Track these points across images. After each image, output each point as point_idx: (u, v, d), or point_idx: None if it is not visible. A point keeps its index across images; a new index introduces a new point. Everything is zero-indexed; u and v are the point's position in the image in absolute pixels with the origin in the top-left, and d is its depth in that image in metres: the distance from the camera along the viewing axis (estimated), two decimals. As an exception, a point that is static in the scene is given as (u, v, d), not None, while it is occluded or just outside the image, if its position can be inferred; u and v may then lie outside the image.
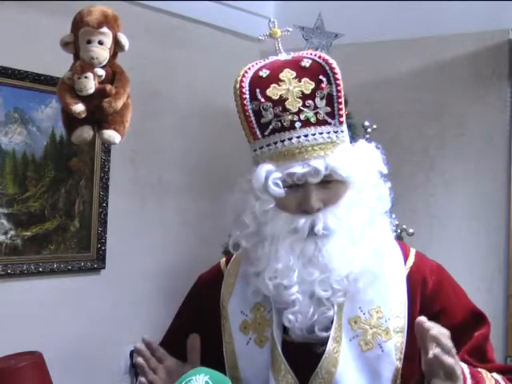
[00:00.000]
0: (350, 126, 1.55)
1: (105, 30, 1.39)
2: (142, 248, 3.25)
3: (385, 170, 1.47)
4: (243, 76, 1.43)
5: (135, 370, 3.22)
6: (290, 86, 1.38)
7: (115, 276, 3.14)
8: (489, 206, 3.11)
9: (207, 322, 1.53)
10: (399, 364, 1.40)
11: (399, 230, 2.88)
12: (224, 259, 1.65)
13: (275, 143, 1.39)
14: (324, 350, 1.38)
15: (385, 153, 1.50)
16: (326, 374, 1.36)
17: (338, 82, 1.40)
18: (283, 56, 1.48)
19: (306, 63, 1.42)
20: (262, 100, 1.39)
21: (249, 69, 1.44)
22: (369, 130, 2.86)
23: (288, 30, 1.54)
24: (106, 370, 3.11)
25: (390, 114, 3.25)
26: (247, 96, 1.40)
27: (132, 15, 2.95)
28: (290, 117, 1.37)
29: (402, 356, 1.40)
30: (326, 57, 1.43)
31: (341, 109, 1.40)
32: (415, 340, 1.33)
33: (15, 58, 2.74)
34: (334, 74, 1.40)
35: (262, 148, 1.41)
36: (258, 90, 1.40)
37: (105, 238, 3.09)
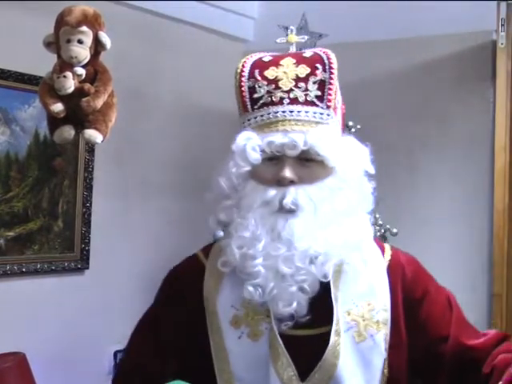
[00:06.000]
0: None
1: (84, 29, 1.39)
2: (126, 248, 3.24)
3: (372, 170, 1.50)
4: (247, 58, 1.51)
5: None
6: (287, 70, 1.45)
7: (99, 276, 3.13)
8: (472, 206, 3.12)
9: (190, 314, 1.51)
10: (385, 354, 1.45)
11: (383, 230, 2.90)
12: (200, 252, 1.63)
13: (261, 115, 1.44)
14: (326, 343, 1.39)
15: (369, 153, 1.52)
16: (329, 365, 1.38)
17: (332, 70, 1.45)
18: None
19: (308, 54, 1.50)
20: (259, 79, 1.46)
21: (255, 54, 1.53)
22: (353, 129, 2.88)
23: (304, 38, 1.67)
24: (90, 370, 3.09)
25: (373, 114, 3.26)
26: (246, 74, 1.47)
27: (116, 15, 2.94)
28: (280, 94, 1.43)
29: (387, 346, 1.45)
30: (329, 52, 1.50)
31: (330, 94, 1.44)
32: (398, 331, 1.44)
33: (-2, 57, 2.73)
34: (330, 63, 1.46)
35: (249, 120, 1.46)
36: (256, 71, 1.47)
37: (89, 238, 3.08)
